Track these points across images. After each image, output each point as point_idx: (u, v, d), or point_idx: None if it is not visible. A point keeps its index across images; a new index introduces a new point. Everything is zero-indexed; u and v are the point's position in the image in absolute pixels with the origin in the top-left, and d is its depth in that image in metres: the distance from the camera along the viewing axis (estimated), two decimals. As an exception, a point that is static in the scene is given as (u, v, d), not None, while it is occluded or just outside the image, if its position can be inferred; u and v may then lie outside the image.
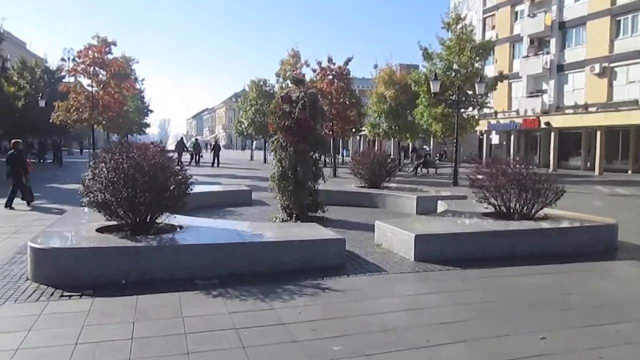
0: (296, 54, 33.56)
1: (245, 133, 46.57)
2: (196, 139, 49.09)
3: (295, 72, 33.19)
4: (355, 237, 9.45)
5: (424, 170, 32.99)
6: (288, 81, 35.58)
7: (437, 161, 41.20)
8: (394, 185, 16.14)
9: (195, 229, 7.72)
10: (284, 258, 6.84)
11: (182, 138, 43.46)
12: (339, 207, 13.32)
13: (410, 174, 30.05)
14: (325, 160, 34.96)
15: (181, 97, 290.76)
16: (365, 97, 38.62)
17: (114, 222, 7.40)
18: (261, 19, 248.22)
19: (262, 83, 43.28)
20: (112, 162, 7.10)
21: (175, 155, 16.35)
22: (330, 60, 26.54)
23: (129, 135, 50.07)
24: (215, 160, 37.37)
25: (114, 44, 27.62)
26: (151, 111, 46.92)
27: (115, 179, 6.98)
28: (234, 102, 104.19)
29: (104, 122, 24.93)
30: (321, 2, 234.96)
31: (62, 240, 6.79)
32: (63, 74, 27.49)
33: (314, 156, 11.38)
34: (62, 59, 38.42)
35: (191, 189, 7.63)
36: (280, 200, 11.23)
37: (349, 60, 26.64)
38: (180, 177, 7.45)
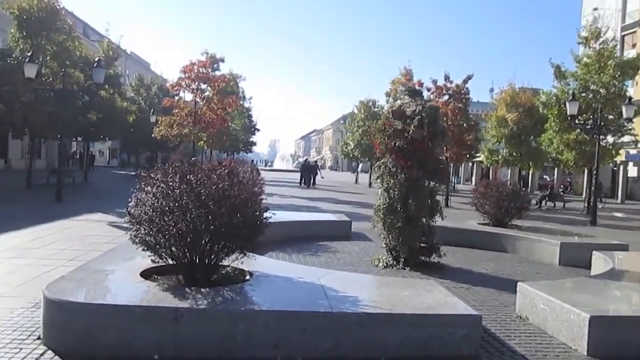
0: (408, 72, 31.27)
1: (351, 155, 44.86)
2: (315, 161, 47.84)
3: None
4: (485, 299, 6.97)
5: (549, 204, 29.14)
6: (399, 101, 33.40)
7: (562, 193, 36.76)
8: (523, 223, 13.26)
9: (269, 280, 5.68)
10: (388, 340, 4.58)
11: (306, 159, 42.60)
12: (456, 248, 10.84)
13: (534, 208, 26.39)
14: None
15: (291, 118, 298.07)
16: (480, 121, 35.37)
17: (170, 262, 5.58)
18: (374, 42, 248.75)
19: (370, 104, 41.50)
20: (163, 185, 5.29)
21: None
22: (447, 78, 24.00)
23: (234, 154, 50.45)
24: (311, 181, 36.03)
25: (222, 60, 27.08)
26: (258, 130, 46.65)
27: (166, 209, 5.17)
28: (341, 124, 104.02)
29: (205, 139, 24.20)
30: (436, 23, 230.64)
31: (87, 288, 5.03)
32: (169, 90, 27.40)
33: (430, 186, 9.04)
34: (180, 78, 39.10)
35: (267, 225, 5.63)
36: (386, 239, 8.98)
37: (469, 78, 23.92)
38: (252, 207, 5.49)
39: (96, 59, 19.56)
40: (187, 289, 5.04)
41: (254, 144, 48.65)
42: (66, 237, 10.46)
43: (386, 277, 6.89)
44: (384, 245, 9.13)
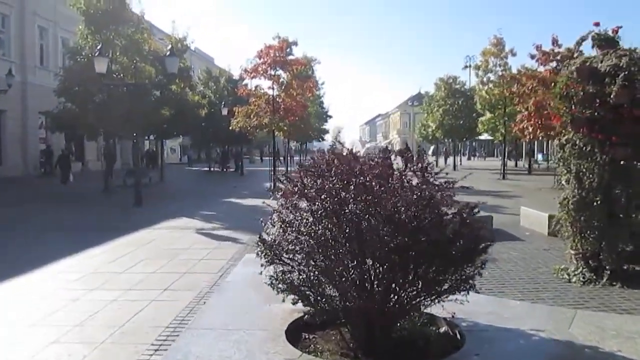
0: (499, 41, 28.19)
1: (431, 137, 42.03)
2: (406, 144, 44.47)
3: (500, 61, 27.89)
4: None
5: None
6: (490, 74, 30.29)
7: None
8: None
9: (493, 339, 3.44)
10: None
11: (388, 145, 40.11)
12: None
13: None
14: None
15: (352, 105, 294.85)
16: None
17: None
18: (434, 20, 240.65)
19: (451, 80, 38.44)
20: (325, 198, 3.14)
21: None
22: (555, 42, 20.83)
23: (307, 143, 48.50)
24: None
25: (295, 44, 25.02)
26: (330, 117, 44.58)
27: (334, 235, 3.04)
28: (409, 106, 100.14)
29: (285, 128, 22.31)
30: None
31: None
32: (244, 76, 25.74)
33: (643, 168, 6.51)
34: (245, 70, 37.65)
35: (489, 248, 3.42)
36: (578, 243, 6.55)
37: (583, 40, 20.40)
38: (467, 222, 3.28)
39: (168, 48, 18.03)
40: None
41: (326, 131, 46.59)
42: (153, 254, 8.65)
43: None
44: (573, 251, 6.71)
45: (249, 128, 22.06)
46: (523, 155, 46.51)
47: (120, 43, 21.01)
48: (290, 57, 23.29)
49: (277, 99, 21.71)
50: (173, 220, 12.77)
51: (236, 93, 35.33)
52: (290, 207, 3.30)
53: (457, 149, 44.70)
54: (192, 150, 57.34)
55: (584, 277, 6.39)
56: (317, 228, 3.02)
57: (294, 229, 3.14)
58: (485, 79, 28.72)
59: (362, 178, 3.13)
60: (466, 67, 37.90)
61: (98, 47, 17.10)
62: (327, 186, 3.12)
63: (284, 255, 3.28)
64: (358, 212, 2.97)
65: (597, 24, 6.97)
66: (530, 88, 21.23)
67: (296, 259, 3.18)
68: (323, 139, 48.75)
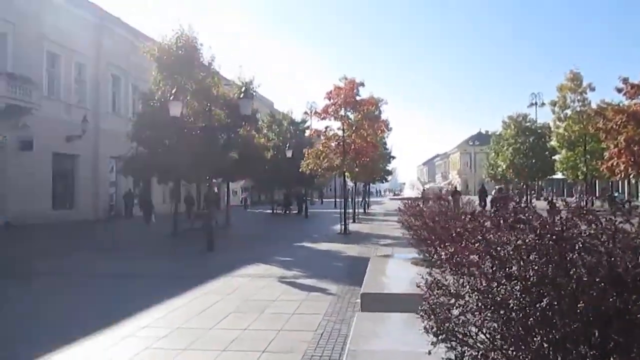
0: (576, 76, 26.88)
1: (500, 177, 40.39)
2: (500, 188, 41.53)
3: (578, 96, 26.52)
4: None
5: None
6: (567, 111, 28.86)
7: None
8: None
9: None
10: None
11: (483, 185, 38.56)
12: None
13: None
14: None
15: (406, 145, 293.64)
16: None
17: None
18: (486, 60, 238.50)
19: (520, 118, 37.00)
20: (535, 260, 2.35)
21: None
22: (644, 73, 19.46)
23: (370, 184, 47.68)
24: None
25: (362, 84, 24.67)
26: (393, 157, 43.76)
27: (556, 310, 2.23)
28: (470, 145, 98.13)
29: (356, 169, 21.72)
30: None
31: None
32: (306, 119, 25.52)
33: None
34: (305, 112, 37.63)
35: None
36: None
37: (677, 69, 19.15)
38: None
39: (242, 90, 17.94)
40: None
41: (389, 172, 45.62)
42: (239, 306, 7.98)
43: None
44: None
45: (319, 170, 21.56)
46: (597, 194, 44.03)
47: (191, 87, 21.24)
48: (359, 98, 22.84)
49: (347, 140, 21.19)
50: (250, 266, 12.16)
51: (299, 135, 35.32)
52: (472, 270, 2.53)
53: (529, 189, 42.69)
54: (252, 192, 57.75)
55: None
56: (530, 300, 2.23)
57: (490, 300, 2.35)
58: (562, 115, 27.34)
59: (579, 230, 2.35)
60: (532, 104, 36.62)
61: (173, 92, 17.21)
62: (535, 243, 2.34)
63: (468, 332, 2.49)
64: (586, 277, 2.16)
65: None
66: (618, 123, 19.79)
67: (491, 339, 2.39)
68: (386, 180, 47.82)
